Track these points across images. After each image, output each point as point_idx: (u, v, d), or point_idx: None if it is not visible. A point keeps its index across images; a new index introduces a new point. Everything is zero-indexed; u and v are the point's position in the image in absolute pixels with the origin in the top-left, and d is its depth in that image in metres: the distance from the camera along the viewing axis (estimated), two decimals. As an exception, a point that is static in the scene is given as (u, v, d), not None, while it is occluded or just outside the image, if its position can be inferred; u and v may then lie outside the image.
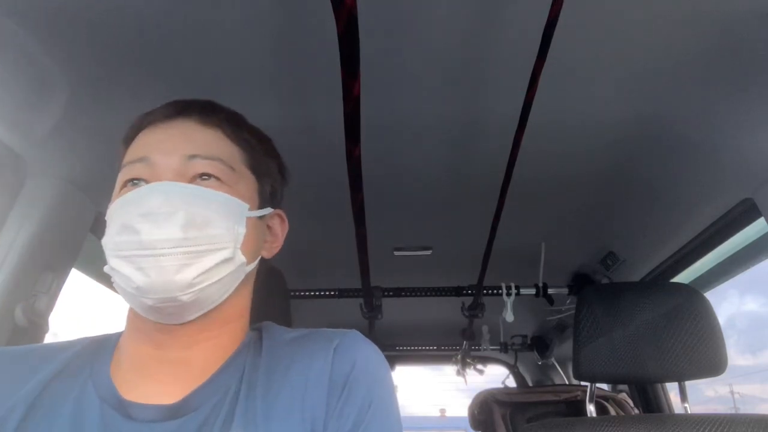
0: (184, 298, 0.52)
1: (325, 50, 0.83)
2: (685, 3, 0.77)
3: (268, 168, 0.65)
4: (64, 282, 1.05)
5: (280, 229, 0.68)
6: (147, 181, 0.56)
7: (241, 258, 0.56)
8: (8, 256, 0.94)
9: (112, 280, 0.54)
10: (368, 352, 0.59)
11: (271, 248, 0.66)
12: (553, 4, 0.65)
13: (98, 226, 1.15)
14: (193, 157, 0.57)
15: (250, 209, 0.59)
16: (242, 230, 0.57)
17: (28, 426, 0.51)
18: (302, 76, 0.94)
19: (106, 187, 1.07)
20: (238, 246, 0.56)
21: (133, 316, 0.58)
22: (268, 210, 0.64)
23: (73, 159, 1.01)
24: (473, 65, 0.91)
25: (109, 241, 0.53)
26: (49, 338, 1.02)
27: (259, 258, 0.63)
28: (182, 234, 0.51)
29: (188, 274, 0.51)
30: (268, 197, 0.64)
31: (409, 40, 0.85)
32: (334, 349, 0.57)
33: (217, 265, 0.54)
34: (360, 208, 1.03)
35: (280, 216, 0.68)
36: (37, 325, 0.98)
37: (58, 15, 0.77)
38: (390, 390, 0.58)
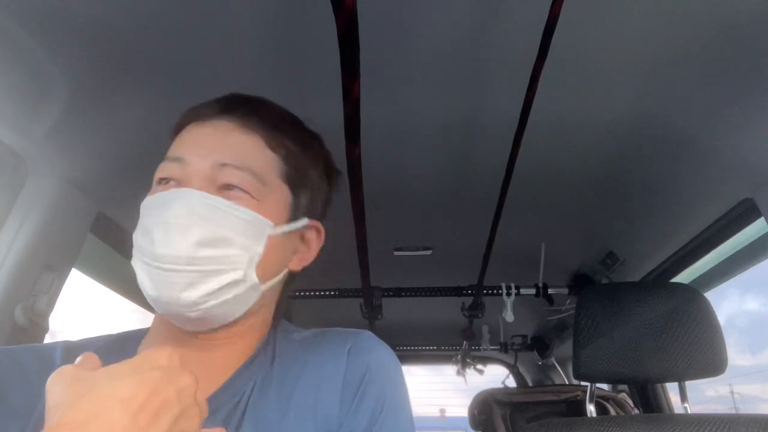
0: (190, 314, 0.53)
1: (325, 50, 0.83)
2: (685, 3, 0.77)
3: (307, 178, 0.62)
4: (64, 282, 1.05)
5: (316, 242, 0.65)
6: (178, 181, 0.55)
7: (253, 279, 0.55)
8: (8, 256, 0.94)
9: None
10: (382, 353, 0.59)
11: (302, 260, 0.64)
12: (553, 4, 0.65)
13: (98, 226, 1.15)
14: (224, 165, 0.55)
15: (276, 225, 0.57)
16: (260, 250, 0.55)
17: None
18: (302, 76, 0.94)
19: (106, 187, 1.09)
20: (253, 267, 0.54)
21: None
22: (302, 222, 0.61)
23: (73, 159, 1.01)
24: (473, 65, 0.91)
25: (135, 239, 0.54)
26: (48, 339, 1.02)
27: (285, 273, 0.61)
28: (194, 252, 0.51)
29: (193, 293, 0.51)
30: (303, 209, 0.61)
31: (409, 40, 0.85)
32: (347, 350, 0.57)
33: (224, 287, 0.53)
34: (360, 208, 1.03)
35: (317, 228, 0.65)
36: (37, 325, 0.98)
37: (58, 15, 0.77)
38: (403, 390, 0.58)
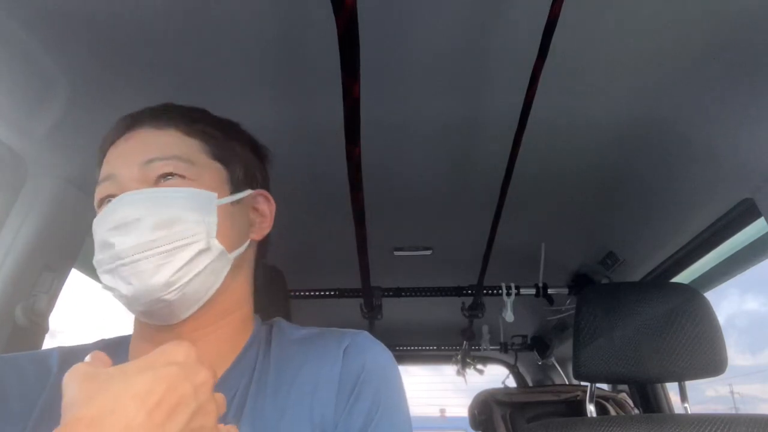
0: (169, 297, 0.53)
1: (325, 50, 0.83)
2: (684, 3, 0.77)
3: (235, 153, 0.64)
4: (64, 282, 1.05)
5: (267, 209, 0.67)
6: (116, 195, 0.57)
7: (218, 247, 0.57)
8: (8, 256, 0.94)
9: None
10: (378, 353, 0.59)
11: (261, 229, 0.66)
12: (553, 4, 0.65)
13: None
14: (150, 161, 0.57)
15: (220, 197, 0.59)
16: (213, 219, 0.57)
17: (50, 421, 0.52)
18: (302, 76, 0.94)
19: (106, 187, 1.08)
20: (212, 236, 0.56)
21: (136, 319, 0.60)
22: (246, 192, 0.63)
23: (73, 159, 1.01)
24: (473, 65, 0.91)
25: (95, 261, 0.55)
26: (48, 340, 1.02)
27: (248, 242, 0.63)
28: (151, 236, 0.53)
29: (165, 273, 0.53)
30: (241, 181, 0.63)
31: (409, 40, 0.85)
32: (344, 350, 0.58)
33: (193, 258, 0.54)
34: (360, 208, 1.03)
35: (264, 195, 0.67)
36: (37, 325, 0.98)
37: (58, 15, 0.77)
38: (399, 390, 0.58)
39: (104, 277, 0.54)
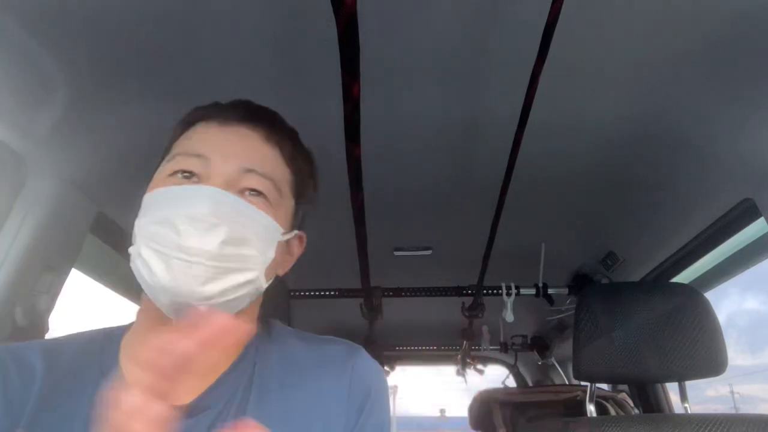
0: (201, 306, 0.53)
1: (325, 50, 0.83)
2: (684, 4, 0.77)
3: (306, 194, 0.65)
4: (64, 282, 1.05)
5: (297, 250, 0.67)
6: (199, 177, 0.55)
7: (262, 281, 0.57)
8: (8, 256, 0.94)
9: (133, 263, 0.54)
10: (380, 373, 0.63)
11: (285, 266, 0.66)
12: (553, 5, 0.65)
13: (98, 226, 1.15)
14: (249, 170, 0.57)
15: (283, 233, 0.59)
16: (271, 255, 0.57)
17: (43, 425, 0.52)
18: (302, 76, 0.94)
19: (107, 187, 1.09)
20: (264, 269, 0.56)
21: (142, 311, 0.60)
22: (294, 232, 0.63)
23: (73, 159, 1.01)
24: (473, 65, 0.91)
25: (144, 227, 0.53)
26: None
27: (275, 276, 0.63)
28: (219, 249, 0.51)
29: (212, 288, 0.52)
30: (298, 221, 0.64)
31: (409, 40, 0.85)
32: (351, 367, 0.60)
33: (241, 284, 0.54)
34: (360, 208, 1.03)
35: (300, 237, 0.67)
36: (37, 325, 0.98)
37: (58, 15, 0.77)
38: (388, 405, 0.63)
39: (147, 252, 0.52)
